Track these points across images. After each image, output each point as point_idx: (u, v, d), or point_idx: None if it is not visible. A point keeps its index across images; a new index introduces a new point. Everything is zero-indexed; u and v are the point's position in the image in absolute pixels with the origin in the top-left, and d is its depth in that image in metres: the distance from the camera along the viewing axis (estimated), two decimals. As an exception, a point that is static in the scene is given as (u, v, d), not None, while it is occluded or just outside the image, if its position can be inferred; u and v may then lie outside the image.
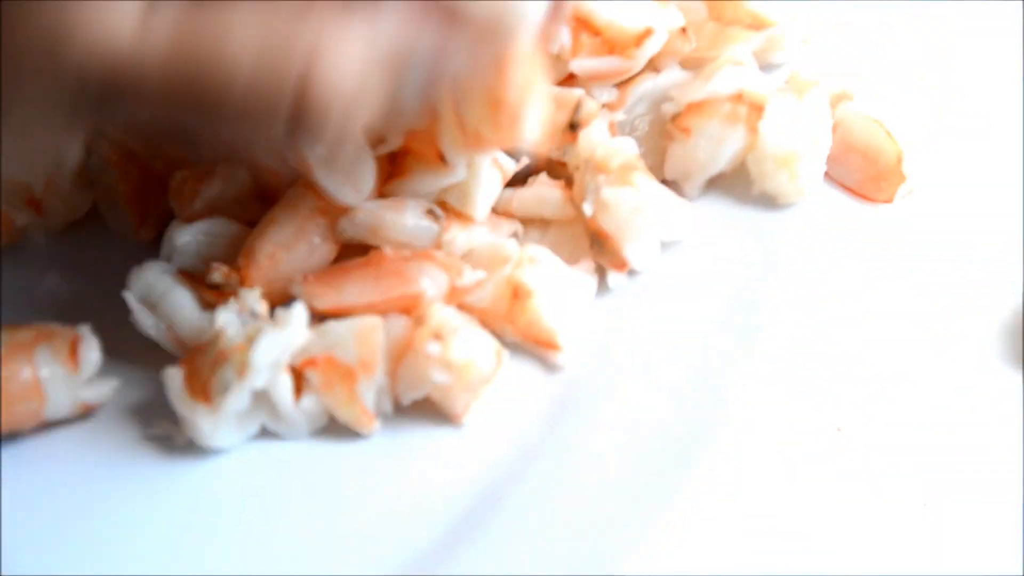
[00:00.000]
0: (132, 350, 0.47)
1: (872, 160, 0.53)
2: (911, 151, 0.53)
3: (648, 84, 0.51)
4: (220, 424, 0.44)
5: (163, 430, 0.46)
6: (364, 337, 0.44)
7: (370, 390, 0.45)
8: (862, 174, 0.53)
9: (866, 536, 0.43)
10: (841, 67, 0.59)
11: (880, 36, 0.61)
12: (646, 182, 0.48)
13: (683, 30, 0.51)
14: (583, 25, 0.49)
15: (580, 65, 0.50)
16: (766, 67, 0.54)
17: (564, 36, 0.49)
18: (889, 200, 0.53)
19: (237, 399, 0.43)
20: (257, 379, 0.43)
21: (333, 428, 0.46)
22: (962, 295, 0.50)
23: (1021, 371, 0.47)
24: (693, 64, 0.52)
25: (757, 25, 0.52)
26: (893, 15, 0.61)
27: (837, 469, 0.45)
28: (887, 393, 0.47)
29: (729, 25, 0.52)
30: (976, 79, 0.58)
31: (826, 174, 0.54)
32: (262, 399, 0.44)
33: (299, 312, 0.44)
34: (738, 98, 0.50)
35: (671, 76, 0.52)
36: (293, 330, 0.44)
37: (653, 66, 0.52)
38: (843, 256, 0.51)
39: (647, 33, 0.49)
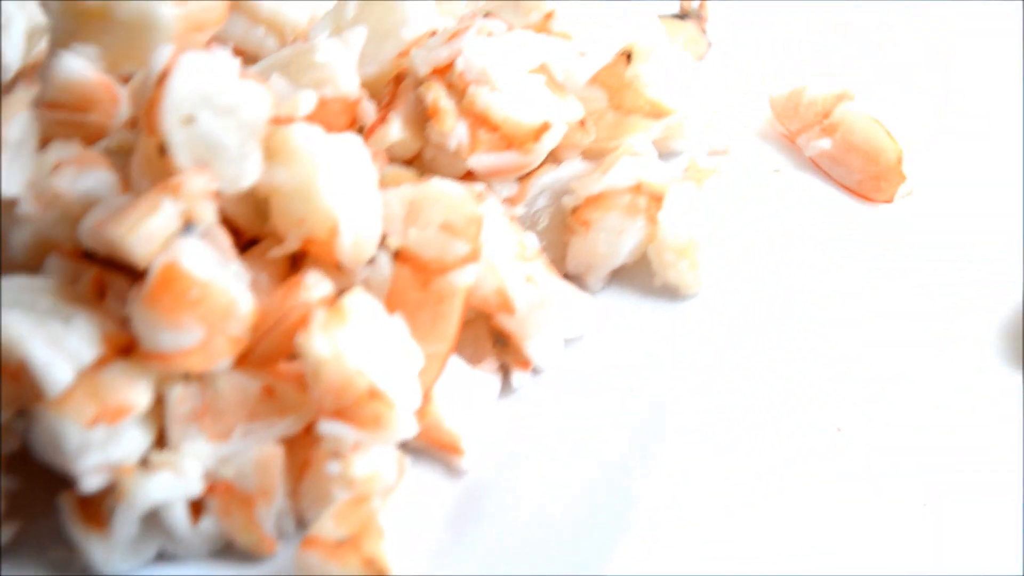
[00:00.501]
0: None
1: (872, 160, 0.53)
2: (911, 151, 0.53)
3: (549, 177, 0.51)
4: (113, 550, 0.42)
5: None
6: (265, 466, 0.43)
7: (270, 515, 0.43)
8: (862, 174, 0.53)
9: (866, 536, 0.43)
10: (841, 67, 0.59)
11: (880, 36, 0.61)
12: (547, 278, 0.47)
13: (582, 122, 0.50)
14: (480, 121, 0.49)
15: (478, 161, 0.49)
16: (667, 155, 0.53)
17: (462, 132, 0.48)
18: (889, 200, 0.53)
19: (127, 527, 0.42)
20: (144, 510, 0.42)
21: (234, 547, 0.44)
22: (962, 295, 0.50)
23: (1021, 371, 0.47)
24: (594, 154, 0.52)
25: (656, 113, 0.51)
26: (893, 15, 0.62)
27: (837, 469, 0.45)
28: (887, 393, 0.47)
29: (629, 114, 0.51)
30: (976, 79, 0.58)
31: (826, 174, 0.54)
32: (159, 522, 0.43)
33: (194, 465, 0.43)
34: (637, 189, 0.49)
35: (572, 167, 0.51)
36: (187, 479, 0.42)
37: (554, 157, 0.51)
38: (843, 256, 0.51)
39: (544, 128, 0.49)
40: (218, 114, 0.42)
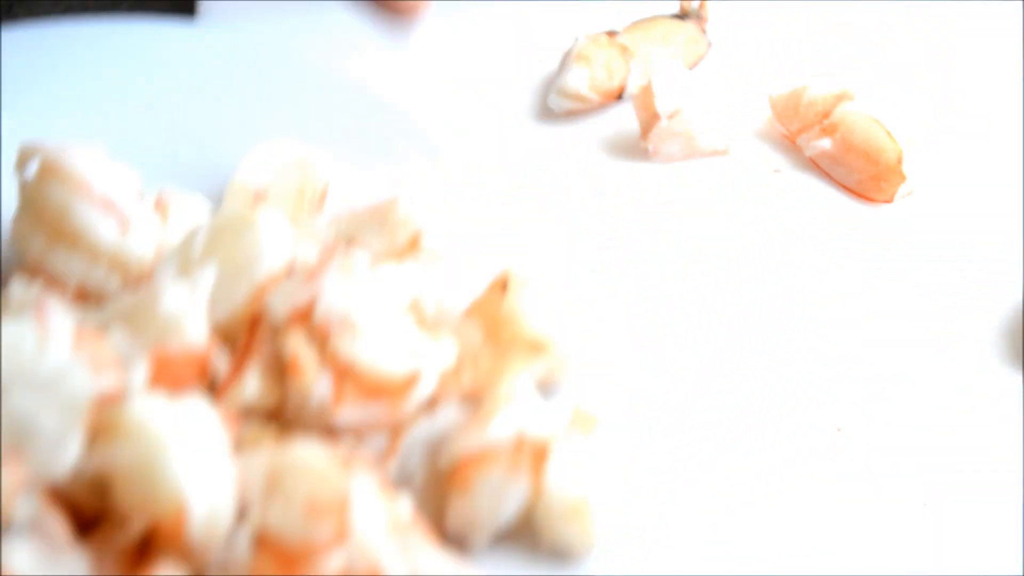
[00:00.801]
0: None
1: (872, 160, 0.53)
2: (911, 151, 0.53)
3: (423, 426, 0.46)
4: None
5: None
6: None
7: None
8: (862, 174, 0.53)
9: (866, 536, 0.43)
10: (841, 67, 0.59)
11: (880, 36, 0.61)
12: (423, 549, 0.42)
13: (457, 367, 0.46)
14: (345, 372, 0.43)
15: (345, 416, 0.44)
16: (550, 392, 0.48)
17: (325, 386, 0.43)
18: (889, 200, 0.53)
19: None
20: None
21: None
22: (962, 295, 0.50)
23: (1021, 371, 0.47)
24: (472, 397, 0.46)
25: (537, 349, 0.46)
26: (893, 15, 0.62)
27: (837, 469, 0.45)
28: (887, 393, 0.47)
29: (507, 350, 0.46)
30: (976, 79, 0.58)
31: (826, 174, 0.54)
32: None
33: None
34: (519, 444, 0.44)
35: (448, 414, 0.46)
36: None
37: (428, 402, 0.46)
38: (843, 256, 0.51)
39: (415, 378, 0.44)
40: (34, 390, 0.39)
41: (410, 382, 0.44)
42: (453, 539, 0.45)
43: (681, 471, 0.45)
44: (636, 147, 0.55)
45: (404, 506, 0.42)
